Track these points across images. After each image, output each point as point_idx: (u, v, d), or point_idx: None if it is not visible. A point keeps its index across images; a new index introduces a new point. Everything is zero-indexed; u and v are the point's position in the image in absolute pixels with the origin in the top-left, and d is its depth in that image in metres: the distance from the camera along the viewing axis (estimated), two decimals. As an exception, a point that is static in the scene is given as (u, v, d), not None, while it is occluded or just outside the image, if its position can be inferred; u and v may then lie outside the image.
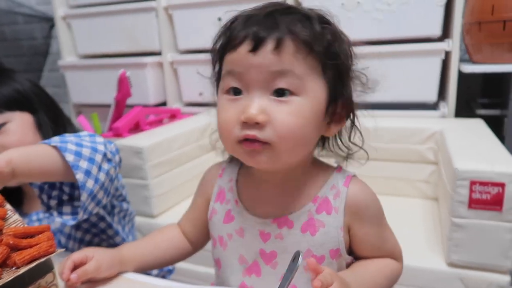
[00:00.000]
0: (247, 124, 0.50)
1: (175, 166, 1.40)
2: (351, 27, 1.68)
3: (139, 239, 0.75)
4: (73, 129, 0.87)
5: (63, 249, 0.52)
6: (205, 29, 1.70)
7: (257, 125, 0.49)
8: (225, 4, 1.64)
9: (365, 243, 0.60)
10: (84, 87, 1.98)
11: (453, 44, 1.36)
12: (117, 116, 1.58)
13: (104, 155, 0.69)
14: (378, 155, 1.35)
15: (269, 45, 0.49)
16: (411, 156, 1.33)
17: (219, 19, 1.65)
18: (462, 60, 1.42)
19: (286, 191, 0.60)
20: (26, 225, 0.53)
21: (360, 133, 0.61)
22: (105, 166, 0.68)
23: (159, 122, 1.72)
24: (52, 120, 0.83)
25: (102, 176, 0.67)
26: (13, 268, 0.47)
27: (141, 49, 1.86)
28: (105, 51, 1.96)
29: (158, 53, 1.83)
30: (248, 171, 0.64)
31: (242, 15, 0.54)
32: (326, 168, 0.62)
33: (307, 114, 0.52)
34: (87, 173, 0.64)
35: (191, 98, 1.83)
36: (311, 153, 0.60)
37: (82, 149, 0.65)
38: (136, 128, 1.56)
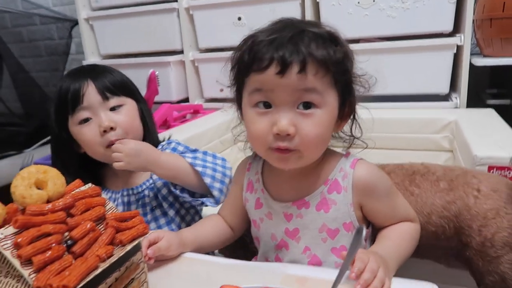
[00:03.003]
0: (279, 135, 0.59)
1: (205, 159, 1.48)
2: (367, 24, 1.76)
3: (192, 225, 0.84)
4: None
5: (153, 231, 0.61)
6: (225, 28, 1.78)
7: (287, 136, 0.59)
8: (244, 5, 1.72)
9: (378, 214, 0.70)
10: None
11: (465, 39, 1.44)
12: (146, 113, 1.66)
13: (230, 178, 0.87)
14: (396, 144, 1.44)
15: (294, 68, 0.57)
16: (427, 145, 1.41)
17: (239, 18, 1.73)
18: (472, 53, 1.50)
19: (302, 178, 0.70)
20: (118, 211, 0.62)
21: (359, 125, 0.71)
22: (229, 187, 0.86)
23: (182, 118, 1.81)
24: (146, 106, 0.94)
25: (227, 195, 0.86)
26: (119, 246, 0.56)
27: (162, 49, 1.95)
28: (126, 51, 2.04)
29: (179, 52, 1.91)
30: (270, 165, 0.73)
31: (263, 38, 0.60)
32: (336, 155, 0.71)
33: (326, 123, 0.62)
34: (221, 191, 0.85)
35: (212, 94, 1.92)
36: None
37: (215, 174, 0.85)
38: (165, 124, 1.64)
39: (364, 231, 0.54)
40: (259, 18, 0.66)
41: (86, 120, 0.83)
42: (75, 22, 2.37)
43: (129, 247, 0.55)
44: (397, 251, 0.67)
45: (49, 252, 0.48)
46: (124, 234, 0.56)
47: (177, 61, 1.90)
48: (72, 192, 0.57)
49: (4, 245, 0.47)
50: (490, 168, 0.97)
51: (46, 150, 2.18)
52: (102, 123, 0.82)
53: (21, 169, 0.55)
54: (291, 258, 0.72)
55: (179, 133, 1.44)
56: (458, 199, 0.75)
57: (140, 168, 0.82)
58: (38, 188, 0.53)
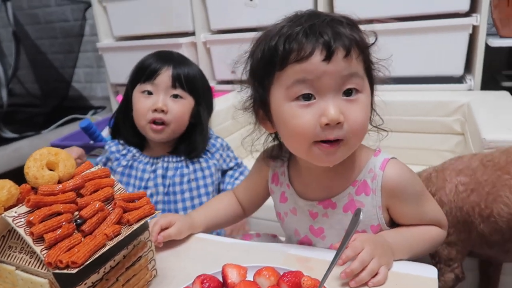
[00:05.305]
0: (328, 126, 0.56)
1: (216, 141, 1.50)
2: (383, 4, 1.72)
3: (202, 206, 0.86)
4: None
5: (159, 211, 0.63)
6: (236, 9, 1.77)
7: (337, 125, 0.56)
8: (256, -15, 1.70)
9: (405, 218, 0.67)
10: (121, 68, 2.09)
11: (481, 19, 1.40)
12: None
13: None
14: (406, 127, 1.43)
15: (340, 53, 0.55)
16: (437, 128, 1.39)
17: (251, -1, 1.72)
18: (488, 34, 1.47)
19: (329, 177, 0.67)
20: (126, 192, 0.64)
21: (375, 111, 0.68)
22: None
23: (195, 100, 1.82)
24: (208, 111, 1.03)
25: None
26: (126, 225, 0.58)
27: (174, 30, 1.95)
28: (139, 33, 2.05)
29: (191, 34, 1.91)
30: (296, 160, 0.71)
31: (294, 27, 0.57)
32: (365, 152, 0.68)
33: (368, 108, 0.60)
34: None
35: (224, 76, 1.92)
36: None
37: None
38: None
39: (361, 215, 0.55)
40: (271, -1, 0.64)
41: (149, 92, 0.96)
42: (88, 4, 2.39)
43: (135, 226, 0.57)
44: (410, 243, 0.65)
45: (60, 230, 0.50)
46: (131, 214, 0.59)
47: (189, 43, 1.90)
48: (82, 174, 0.60)
49: (18, 223, 0.50)
50: (499, 152, 0.96)
51: (63, 131, 2.23)
52: (158, 102, 0.94)
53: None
54: None
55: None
56: None
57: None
58: (50, 170, 0.56)
